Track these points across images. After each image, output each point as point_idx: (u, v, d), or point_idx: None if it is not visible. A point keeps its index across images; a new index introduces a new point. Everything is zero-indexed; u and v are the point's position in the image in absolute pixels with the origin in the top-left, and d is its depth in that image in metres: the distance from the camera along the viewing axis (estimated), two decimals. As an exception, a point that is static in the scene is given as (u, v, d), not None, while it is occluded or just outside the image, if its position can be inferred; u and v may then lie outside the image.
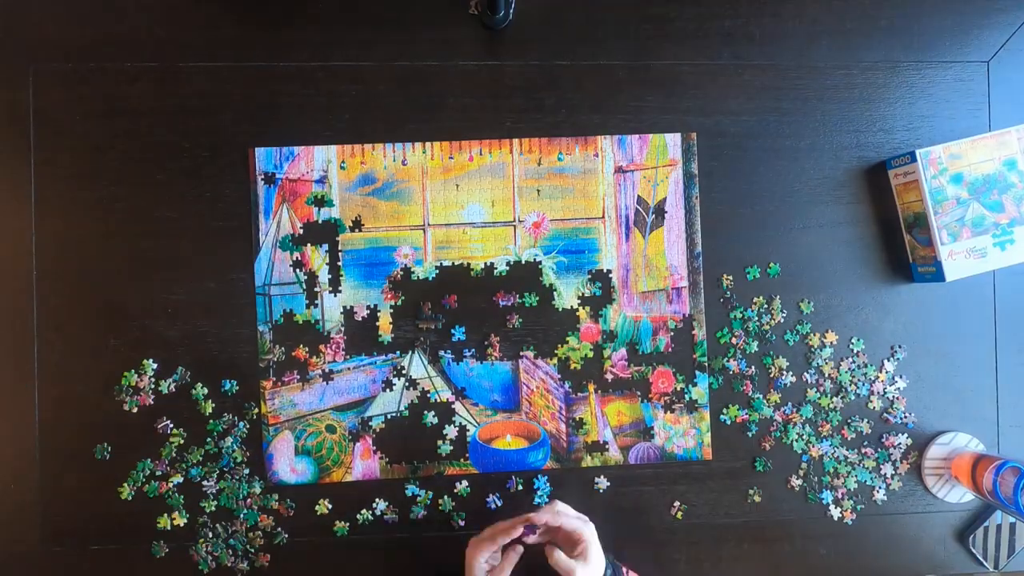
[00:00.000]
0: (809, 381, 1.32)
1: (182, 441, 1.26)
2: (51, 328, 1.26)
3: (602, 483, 1.30)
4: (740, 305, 1.32)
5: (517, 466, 1.30)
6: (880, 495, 1.32)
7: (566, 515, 1.12)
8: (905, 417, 1.33)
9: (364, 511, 1.28)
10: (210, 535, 1.26)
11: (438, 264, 1.29)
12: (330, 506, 1.27)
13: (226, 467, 1.26)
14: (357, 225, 1.28)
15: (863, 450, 1.32)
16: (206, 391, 1.26)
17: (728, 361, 1.32)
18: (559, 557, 1.08)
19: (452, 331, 1.29)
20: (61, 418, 1.25)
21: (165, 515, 1.25)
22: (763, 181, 1.33)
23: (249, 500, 1.26)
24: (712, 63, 1.33)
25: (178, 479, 1.26)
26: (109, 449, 1.25)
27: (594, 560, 1.08)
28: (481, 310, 1.30)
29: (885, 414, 1.32)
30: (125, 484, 1.25)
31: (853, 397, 1.32)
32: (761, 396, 1.32)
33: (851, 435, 1.32)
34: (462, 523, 1.29)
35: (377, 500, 1.28)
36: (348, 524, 1.27)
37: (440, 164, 1.30)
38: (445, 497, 1.29)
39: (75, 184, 1.26)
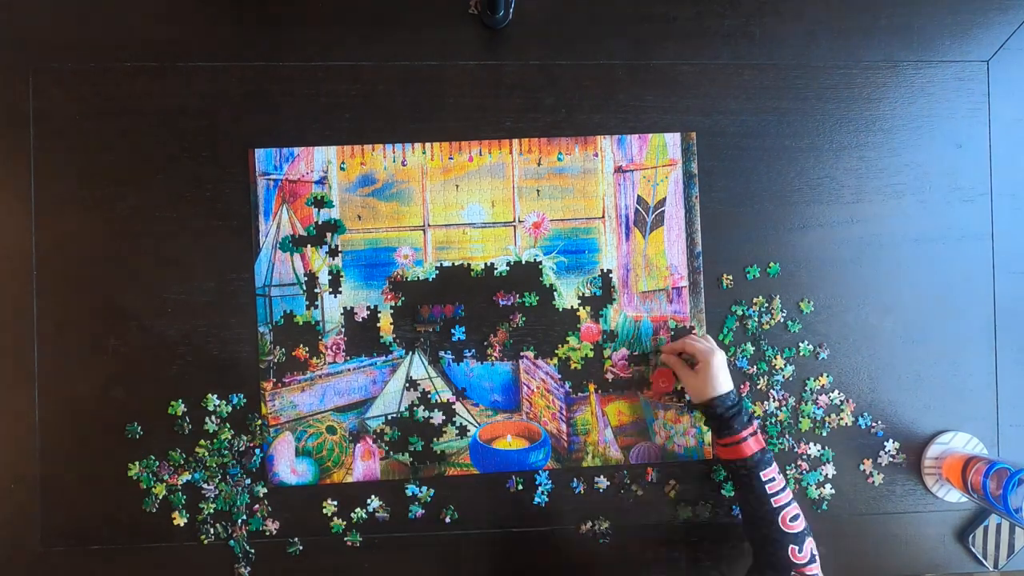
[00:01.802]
0: (772, 392, 1.33)
1: (183, 456, 1.27)
2: (51, 328, 1.26)
3: (602, 482, 1.30)
4: (742, 302, 1.32)
5: (518, 466, 1.30)
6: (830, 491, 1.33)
7: (693, 341, 1.26)
8: (872, 426, 1.33)
9: (358, 509, 1.28)
10: (211, 532, 1.26)
11: (438, 264, 1.29)
12: (335, 506, 1.27)
13: (231, 475, 1.27)
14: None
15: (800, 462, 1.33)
16: (213, 407, 1.27)
17: (727, 360, 1.32)
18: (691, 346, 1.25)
19: (452, 331, 1.29)
20: (61, 418, 1.25)
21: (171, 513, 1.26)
22: (763, 181, 1.33)
23: (256, 507, 1.26)
24: (712, 63, 1.32)
25: (185, 476, 1.26)
26: (140, 430, 1.26)
27: (715, 380, 1.19)
28: (481, 310, 1.30)
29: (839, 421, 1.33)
30: (135, 463, 1.26)
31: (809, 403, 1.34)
32: (758, 395, 1.32)
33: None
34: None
35: (372, 498, 1.28)
36: (345, 523, 1.28)
37: (440, 164, 1.30)
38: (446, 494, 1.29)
39: (75, 184, 1.26)
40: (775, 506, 1.13)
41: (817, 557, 1.12)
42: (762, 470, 1.14)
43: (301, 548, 1.27)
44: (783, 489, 1.14)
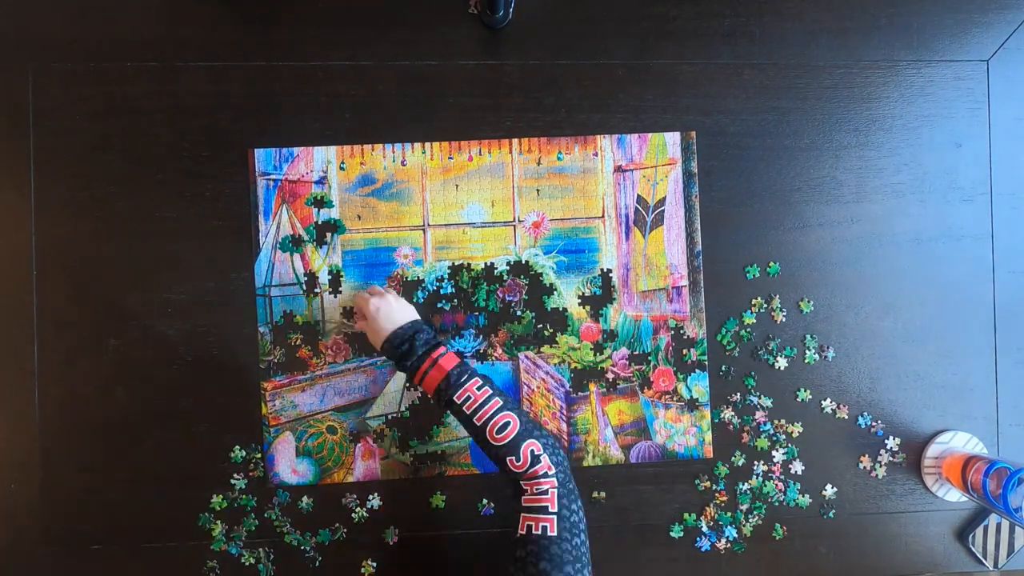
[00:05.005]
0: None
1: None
2: (51, 328, 1.25)
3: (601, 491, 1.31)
4: (739, 305, 1.32)
5: (518, 466, 1.30)
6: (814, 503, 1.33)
7: (357, 297, 1.22)
8: (872, 425, 1.34)
9: (359, 509, 1.28)
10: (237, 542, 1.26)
11: (449, 265, 1.29)
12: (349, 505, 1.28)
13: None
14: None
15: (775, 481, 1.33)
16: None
17: (728, 359, 1.32)
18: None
19: (463, 334, 1.29)
20: (61, 418, 1.25)
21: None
22: (763, 180, 1.33)
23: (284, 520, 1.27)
24: (712, 62, 1.33)
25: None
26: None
27: (375, 323, 1.15)
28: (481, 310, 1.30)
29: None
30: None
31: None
32: (759, 396, 1.32)
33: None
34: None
35: (372, 495, 1.28)
36: (336, 533, 1.28)
37: (440, 164, 1.30)
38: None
39: (75, 184, 1.26)
40: (479, 424, 1.07)
41: (544, 457, 1.05)
42: (455, 394, 1.08)
43: (320, 555, 1.27)
44: (485, 402, 1.07)
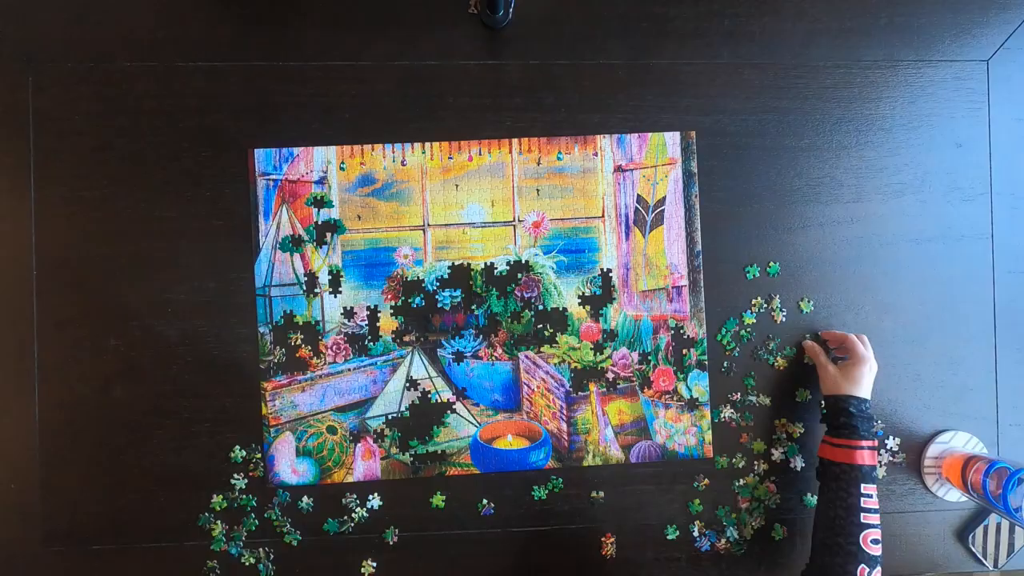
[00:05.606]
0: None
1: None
2: (51, 328, 1.25)
3: (602, 483, 1.30)
4: (739, 305, 1.32)
5: (518, 466, 1.30)
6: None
7: (855, 342, 1.26)
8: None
9: (359, 509, 1.28)
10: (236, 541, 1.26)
11: (449, 265, 1.29)
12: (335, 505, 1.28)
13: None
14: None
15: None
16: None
17: (728, 359, 1.32)
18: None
19: (463, 334, 1.29)
20: (61, 418, 1.25)
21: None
22: (763, 180, 1.33)
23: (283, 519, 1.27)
24: (712, 62, 1.33)
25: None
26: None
27: (857, 381, 1.21)
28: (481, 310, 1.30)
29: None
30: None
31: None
32: (758, 396, 1.32)
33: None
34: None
35: (372, 495, 1.28)
36: (343, 525, 1.28)
37: (439, 164, 1.30)
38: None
39: (75, 184, 1.26)
40: (863, 522, 1.12)
41: None
42: (865, 483, 1.15)
43: (299, 538, 1.27)
44: (876, 511, 1.14)
